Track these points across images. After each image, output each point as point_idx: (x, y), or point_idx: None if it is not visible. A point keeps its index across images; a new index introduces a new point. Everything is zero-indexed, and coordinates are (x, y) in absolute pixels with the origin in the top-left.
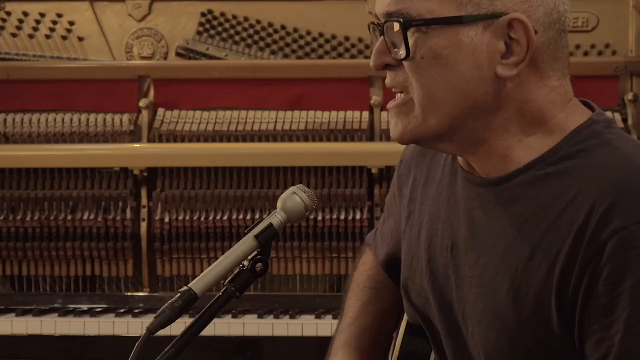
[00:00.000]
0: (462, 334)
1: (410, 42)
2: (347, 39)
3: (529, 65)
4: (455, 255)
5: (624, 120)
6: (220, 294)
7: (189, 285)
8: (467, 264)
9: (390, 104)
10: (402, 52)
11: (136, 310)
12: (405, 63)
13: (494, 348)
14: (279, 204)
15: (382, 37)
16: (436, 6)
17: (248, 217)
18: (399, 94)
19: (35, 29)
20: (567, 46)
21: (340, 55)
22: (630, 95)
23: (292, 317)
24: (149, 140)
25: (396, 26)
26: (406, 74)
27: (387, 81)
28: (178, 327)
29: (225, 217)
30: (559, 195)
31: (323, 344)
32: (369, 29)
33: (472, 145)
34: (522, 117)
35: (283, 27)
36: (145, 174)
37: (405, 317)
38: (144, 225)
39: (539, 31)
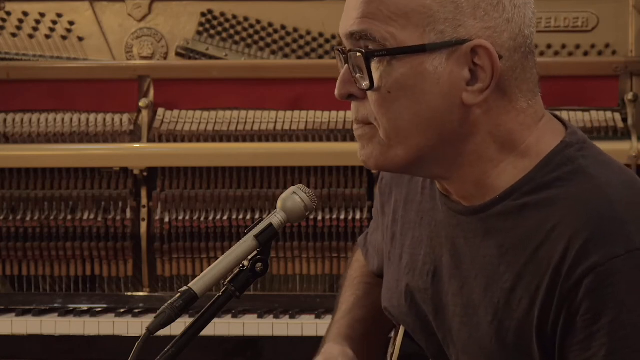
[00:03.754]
0: (446, 357)
1: (376, 75)
2: None
3: (496, 90)
4: (438, 281)
5: (624, 120)
6: (220, 294)
7: (189, 285)
8: (451, 291)
9: (354, 124)
10: (367, 83)
11: (136, 310)
12: (369, 93)
13: None
14: (279, 204)
15: (346, 65)
16: (399, 32)
17: (248, 217)
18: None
19: (35, 29)
20: (535, 66)
21: None
22: (630, 95)
23: (292, 317)
24: (149, 140)
25: (360, 55)
26: (370, 106)
27: (352, 114)
28: (178, 327)
29: (225, 217)
30: (536, 228)
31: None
32: (334, 53)
33: (445, 172)
34: (493, 142)
35: (283, 27)
36: (145, 174)
37: None
38: (144, 225)
39: (504, 56)
